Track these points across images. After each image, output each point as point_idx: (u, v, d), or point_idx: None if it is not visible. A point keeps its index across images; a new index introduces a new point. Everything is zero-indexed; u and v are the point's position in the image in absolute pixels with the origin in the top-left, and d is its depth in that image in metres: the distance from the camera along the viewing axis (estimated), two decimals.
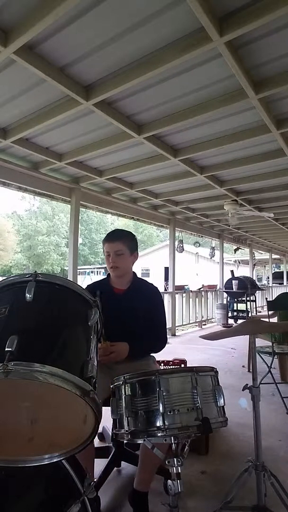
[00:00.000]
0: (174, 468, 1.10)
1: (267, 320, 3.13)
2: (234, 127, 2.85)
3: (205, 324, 7.86)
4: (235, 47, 1.82)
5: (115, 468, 1.90)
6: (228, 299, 8.45)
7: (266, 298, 4.21)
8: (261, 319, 2.53)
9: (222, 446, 2.20)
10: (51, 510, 0.99)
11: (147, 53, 1.90)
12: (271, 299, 3.84)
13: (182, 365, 2.52)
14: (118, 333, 1.61)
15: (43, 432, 1.01)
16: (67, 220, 16.16)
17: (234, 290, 7.98)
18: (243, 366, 4.07)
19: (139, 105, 2.50)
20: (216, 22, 1.61)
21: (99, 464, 1.79)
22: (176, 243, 6.93)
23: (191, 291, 7.57)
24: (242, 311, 8.42)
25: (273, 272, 14.71)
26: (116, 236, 1.80)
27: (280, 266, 18.60)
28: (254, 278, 10.81)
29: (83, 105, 2.32)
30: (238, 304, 8.62)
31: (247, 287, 7.92)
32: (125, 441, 1.81)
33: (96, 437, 1.25)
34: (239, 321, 7.54)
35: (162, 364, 2.46)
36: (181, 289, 7.31)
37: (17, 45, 1.76)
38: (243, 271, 14.61)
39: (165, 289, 9.53)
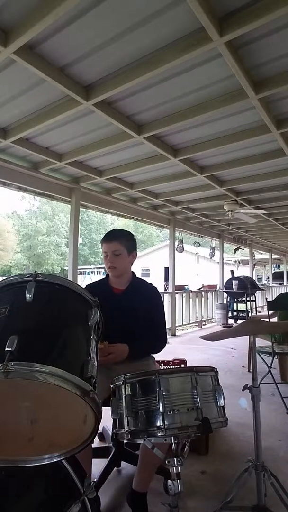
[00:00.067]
0: (174, 468, 1.10)
1: (267, 320, 3.13)
2: (234, 127, 2.86)
3: (205, 324, 7.87)
4: (235, 47, 1.82)
5: (115, 468, 1.90)
6: (228, 299, 8.45)
7: (266, 298, 4.21)
8: (261, 319, 2.53)
9: (222, 446, 2.20)
10: (51, 510, 0.99)
11: (147, 53, 1.90)
12: (271, 299, 3.84)
13: (182, 365, 2.52)
14: (117, 333, 1.60)
15: (43, 432, 1.01)
16: (67, 220, 16.16)
17: (234, 290, 7.98)
18: (243, 366, 4.07)
19: (139, 105, 2.50)
20: (216, 22, 1.61)
21: (99, 464, 1.80)
22: (176, 243, 6.93)
23: (191, 291, 7.57)
24: (242, 311, 8.42)
25: (273, 272, 14.71)
26: (114, 236, 1.79)
27: (280, 266, 18.60)
28: (254, 278, 10.81)
29: (83, 105, 2.32)
30: (238, 304, 8.63)
31: (247, 287, 7.92)
32: (125, 441, 1.82)
33: (96, 437, 1.25)
34: (239, 321, 7.55)
35: (162, 364, 2.46)
36: (181, 289, 7.31)
37: (17, 45, 1.76)
38: (243, 271, 14.62)
39: (165, 289, 9.54)
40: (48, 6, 1.53)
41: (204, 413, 1.10)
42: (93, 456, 1.58)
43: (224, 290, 8.46)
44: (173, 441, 1.11)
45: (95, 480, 1.58)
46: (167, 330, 2.05)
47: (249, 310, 8.19)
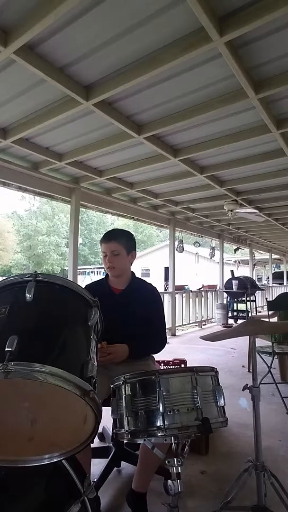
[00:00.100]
0: (174, 468, 1.10)
1: (267, 320, 3.13)
2: (234, 127, 2.85)
3: (205, 324, 7.87)
4: (235, 47, 1.82)
5: (115, 468, 1.90)
6: (228, 299, 8.45)
7: (266, 298, 4.21)
8: (261, 319, 2.53)
9: (222, 446, 2.20)
10: (51, 510, 0.99)
11: (147, 53, 1.90)
12: (271, 299, 3.85)
13: (182, 365, 2.52)
14: (116, 333, 1.59)
15: (43, 432, 1.01)
16: (67, 220, 16.16)
17: (234, 290, 7.98)
18: (243, 366, 4.07)
19: (139, 105, 2.50)
20: (216, 22, 1.61)
21: (99, 464, 1.80)
22: (176, 243, 6.93)
23: (191, 291, 7.57)
24: (242, 311, 8.43)
25: (273, 272, 14.71)
26: (112, 236, 1.79)
27: (280, 266, 18.60)
28: (254, 278, 10.81)
29: (83, 105, 2.32)
30: (238, 304, 8.63)
31: (247, 287, 7.92)
32: (125, 441, 1.82)
33: (96, 437, 1.25)
34: (239, 321, 7.55)
35: (162, 364, 2.46)
36: (181, 289, 7.31)
37: (17, 45, 1.76)
38: (243, 271, 14.61)
39: (165, 289, 9.54)
40: (48, 6, 1.53)
41: (204, 413, 1.10)
42: (93, 456, 1.58)
43: (224, 290, 8.46)
44: (173, 441, 1.11)
45: (95, 480, 1.58)
46: (167, 330, 2.06)
47: (249, 310, 8.19)
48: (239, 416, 2.47)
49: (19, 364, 0.80)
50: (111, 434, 1.96)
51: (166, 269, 11.50)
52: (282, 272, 16.04)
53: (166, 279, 12.16)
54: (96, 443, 2.13)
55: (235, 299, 8.44)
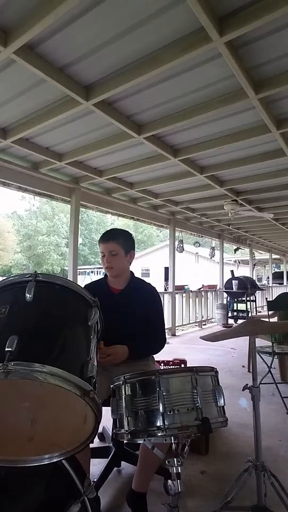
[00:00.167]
0: (174, 468, 1.10)
1: (267, 320, 3.13)
2: (234, 127, 2.85)
3: (205, 324, 7.87)
4: (235, 47, 1.82)
5: (115, 468, 1.90)
6: (228, 299, 8.45)
7: (266, 298, 4.21)
8: (261, 319, 2.53)
9: (222, 446, 2.20)
10: (51, 510, 0.99)
11: (147, 53, 1.90)
12: (271, 299, 3.85)
13: (182, 365, 2.52)
14: (115, 333, 1.59)
15: (43, 432, 1.01)
16: (67, 220, 16.16)
17: (234, 290, 7.98)
18: (243, 366, 4.07)
19: (139, 105, 2.50)
20: (216, 22, 1.61)
21: (99, 464, 1.80)
22: (176, 243, 6.93)
23: (191, 291, 7.57)
24: (242, 311, 8.43)
25: (273, 272, 14.71)
26: (110, 236, 1.78)
27: (280, 266, 18.60)
28: (254, 278, 10.81)
29: (83, 105, 2.32)
30: (238, 304, 8.63)
31: (247, 287, 7.92)
32: (125, 441, 1.82)
33: (96, 437, 1.25)
34: (239, 321, 7.55)
35: (162, 364, 2.46)
36: (181, 289, 7.31)
37: (17, 45, 1.76)
38: (243, 271, 14.61)
39: (165, 289, 9.54)
40: (48, 6, 1.53)
41: (204, 413, 1.10)
42: (93, 456, 1.58)
43: (224, 290, 8.46)
44: (173, 441, 1.11)
45: (95, 480, 1.58)
46: (167, 330, 2.06)
47: (249, 310, 8.19)
48: (239, 416, 2.47)
49: (19, 364, 0.80)
50: (111, 434, 1.96)
51: (166, 269, 11.50)
52: (282, 272, 16.04)
53: (166, 279, 12.16)
54: (96, 443, 2.13)
55: (235, 299, 8.44)
